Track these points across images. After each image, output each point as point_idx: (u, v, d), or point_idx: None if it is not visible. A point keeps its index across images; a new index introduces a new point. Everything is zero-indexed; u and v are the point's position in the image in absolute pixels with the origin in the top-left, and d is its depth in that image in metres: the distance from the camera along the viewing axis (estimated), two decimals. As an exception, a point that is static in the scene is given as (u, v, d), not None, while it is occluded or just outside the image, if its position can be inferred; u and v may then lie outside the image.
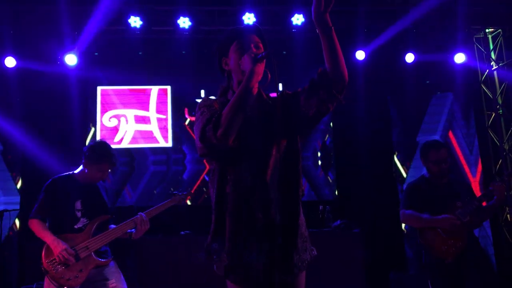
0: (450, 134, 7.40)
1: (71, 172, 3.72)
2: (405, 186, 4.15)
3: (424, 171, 4.15)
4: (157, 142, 7.15)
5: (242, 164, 2.15)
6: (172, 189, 6.92)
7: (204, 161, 6.76)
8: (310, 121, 2.24)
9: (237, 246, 2.10)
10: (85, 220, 3.57)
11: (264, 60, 2.11)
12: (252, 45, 2.23)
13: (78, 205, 3.59)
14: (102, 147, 3.67)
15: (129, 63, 7.00)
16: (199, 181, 7.08)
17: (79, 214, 3.58)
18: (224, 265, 2.10)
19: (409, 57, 6.94)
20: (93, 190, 3.71)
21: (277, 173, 2.16)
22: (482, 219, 4.14)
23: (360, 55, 6.87)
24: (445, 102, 7.49)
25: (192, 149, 7.18)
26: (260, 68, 2.09)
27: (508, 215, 7.11)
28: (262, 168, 2.15)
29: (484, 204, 3.99)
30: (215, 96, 2.40)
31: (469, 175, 7.19)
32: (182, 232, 6.13)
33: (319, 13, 2.05)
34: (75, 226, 3.55)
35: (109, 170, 3.74)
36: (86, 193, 3.65)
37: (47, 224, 3.57)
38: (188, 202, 6.89)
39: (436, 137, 7.20)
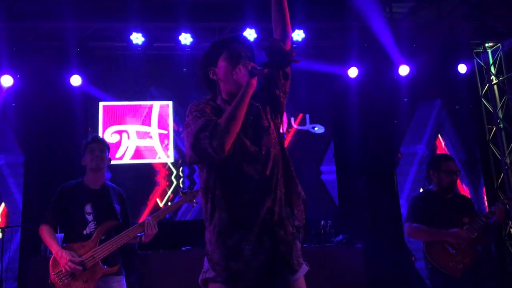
0: (438, 142, 7.42)
1: (80, 179, 3.75)
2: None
3: (431, 185, 4.16)
4: (159, 157, 7.17)
5: (240, 166, 2.13)
6: (181, 187, 6.95)
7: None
8: (282, 101, 2.36)
9: (240, 248, 2.06)
10: (94, 225, 3.55)
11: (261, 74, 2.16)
12: (243, 55, 2.25)
13: (88, 208, 3.59)
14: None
15: (131, 79, 7.06)
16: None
17: (89, 217, 3.56)
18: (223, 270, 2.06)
19: (403, 70, 6.94)
20: (103, 194, 3.71)
21: (277, 167, 2.18)
22: (488, 237, 4.12)
23: (352, 72, 6.93)
24: (432, 110, 7.52)
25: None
26: (255, 80, 2.13)
27: (511, 229, 7.08)
28: (262, 166, 2.14)
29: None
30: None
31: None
32: (184, 248, 6.10)
33: None
34: (84, 232, 3.52)
35: (101, 152, 3.71)
36: (96, 196, 3.65)
37: (58, 231, 3.59)
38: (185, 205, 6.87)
39: (422, 146, 7.25)
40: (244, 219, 2.09)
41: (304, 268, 2.18)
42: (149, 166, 7.16)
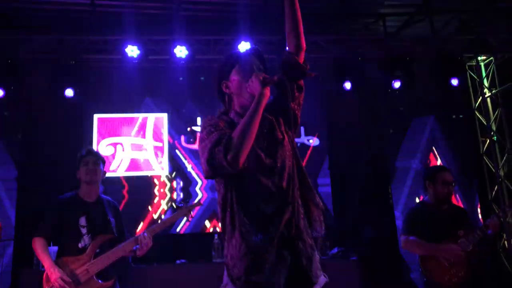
0: (431, 156, 7.45)
1: (74, 192, 3.73)
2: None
3: (426, 197, 4.16)
4: (153, 169, 7.14)
5: (257, 179, 2.13)
6: (176, 200, 6.93)
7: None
8: (297, 114, 2.35)
9: (260, 261, 2.04)
10: (89, 238, 3.52)
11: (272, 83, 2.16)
12: (255, 68, 2.26)
13: (82, 221, 3.56)
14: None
15: (126, 91, 7.05)
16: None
17: (84, 230, 3.54)
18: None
19: (397, 83, 6.96)
20: (98, 207, 3.69)
21: (293, 179, 2.18)
22: (483, 250, 4.11)
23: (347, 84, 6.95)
24: (426, 125, 7.57)
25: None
26: (268, 90, 2.13)
27: (506, 242, 7.09)
28: (278, 179, 2.15)
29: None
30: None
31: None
32: (178, 261, 6.06)
33: None
34: (79, 245, 3.49)
35: (95, 165, 3.70)
36: (91, 209, 3.63)
37: (51, 244, 3.56)
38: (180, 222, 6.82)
39: (416, 160, 7.28)
40: (263, 233, 2.07)
41: (322, 280, 2.18)
42: (145, 178, 7.13)
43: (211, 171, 2.06)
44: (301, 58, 2.30)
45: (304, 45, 2.31)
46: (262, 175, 2.13)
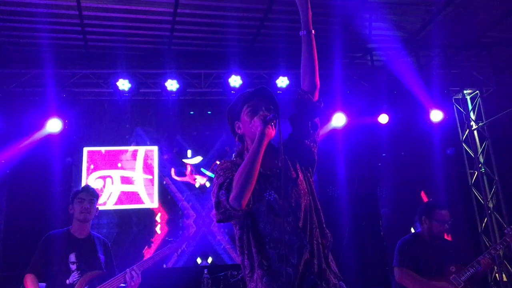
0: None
1: (66, 228, 3.72)
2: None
3: (419, 229, 4.17)
4: (143, 203, 7.09)
5: (271, 220, 2.10)
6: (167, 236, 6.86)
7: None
8: (313, 151, 2.34)
9: None
10: (77, 275, 3.49)
11: (276, 121, 2.15)
12: (263, 108, 2.25)
13: (72, 257, 3.55)
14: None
15: (116, 123, 7.08)
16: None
17: (73, 267, 3.52)
18: None
19: (383, 118, 7.06)
20: (88, 243, 3.68)
21: (310, 218, 2.16)
22: (474, 286, 4.12)
23: (341, 120, 7.03)
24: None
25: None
26: (270, 129, 2.12)
27: (497, 275, 7.06)
28: (294, 218, 2.11)
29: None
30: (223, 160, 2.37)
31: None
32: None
33: (303, 11, 2.35)
34: (67, 281, 3.46)
35: (90, 204, 3.71)
36: (81, 246, 3.62)
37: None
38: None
39: None
40: (283, 275, 2.03)
41: None
42: (134, 211, 7.06)
43: (220, 215, 2.05)
44: (316, 96, 2.34)
45: (318, 83, 2.35)
46: (276, 215, 2.11)
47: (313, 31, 2.36)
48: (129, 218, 7.01)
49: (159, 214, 7.11)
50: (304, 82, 2.36)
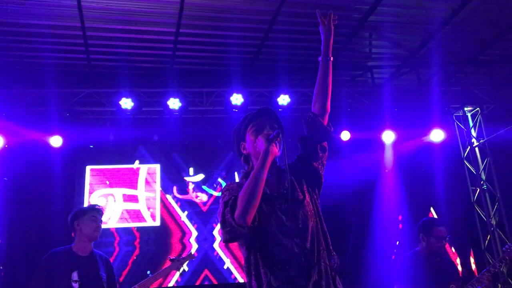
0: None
1: (68, 246, 3.71)
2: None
3: (418, 247, 4.17)
4: (145, 221, 7.08)
5: (278, 240, 2.10)
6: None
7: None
8: (321, 173, 2.36)
9: None
10: None
11: (279, 139, 2.18)
12: (268, 126, 2.28)
13: (74, 276, 3.54)
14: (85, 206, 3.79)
15: (119, 142, 7.12)
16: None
17: (75, 285, 3.50)
18: None
19: (388, 137, 7.11)
20: (90, 261, 3.68)
21: (317, 240, 2.15)
22: None
23: (345, 135, 7.07)
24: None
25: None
26: (274, 147, 2.15)
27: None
28: (301, 239, 2.11)
29: None
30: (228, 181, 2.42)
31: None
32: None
33: (326, 39, 2.40)
34: None
35: (101, 223, 3.75)
36: (83, 264, 3.62)
37: None
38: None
39: None
40: None
41: None
42: (136, 229, 7.06)
43: (227, 234, 2.05)
44: (326, 120, 2.37)
45: (329, 108, 2.38)
46: (283, 236, 2.11)
47: (331, 58, 2.40)
48: (132, 236, 7.00)
49: (161, 232, 7.10)
50: (315, 106, 2.39)
